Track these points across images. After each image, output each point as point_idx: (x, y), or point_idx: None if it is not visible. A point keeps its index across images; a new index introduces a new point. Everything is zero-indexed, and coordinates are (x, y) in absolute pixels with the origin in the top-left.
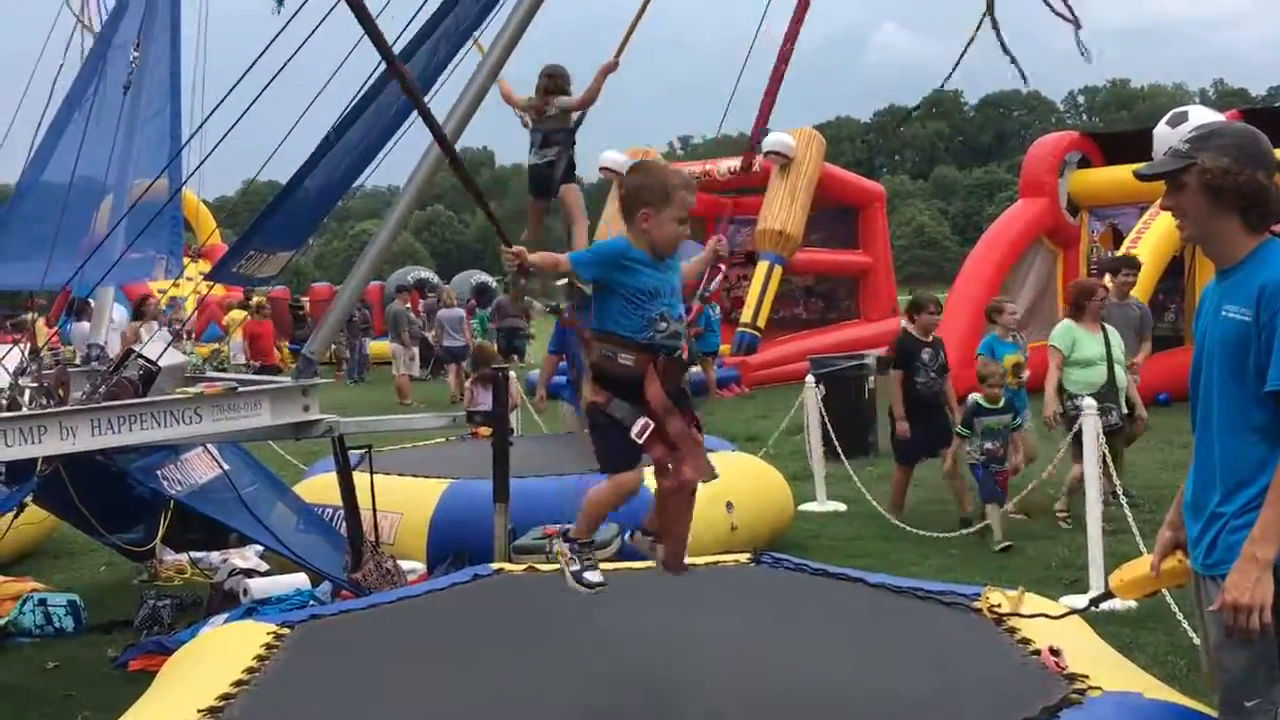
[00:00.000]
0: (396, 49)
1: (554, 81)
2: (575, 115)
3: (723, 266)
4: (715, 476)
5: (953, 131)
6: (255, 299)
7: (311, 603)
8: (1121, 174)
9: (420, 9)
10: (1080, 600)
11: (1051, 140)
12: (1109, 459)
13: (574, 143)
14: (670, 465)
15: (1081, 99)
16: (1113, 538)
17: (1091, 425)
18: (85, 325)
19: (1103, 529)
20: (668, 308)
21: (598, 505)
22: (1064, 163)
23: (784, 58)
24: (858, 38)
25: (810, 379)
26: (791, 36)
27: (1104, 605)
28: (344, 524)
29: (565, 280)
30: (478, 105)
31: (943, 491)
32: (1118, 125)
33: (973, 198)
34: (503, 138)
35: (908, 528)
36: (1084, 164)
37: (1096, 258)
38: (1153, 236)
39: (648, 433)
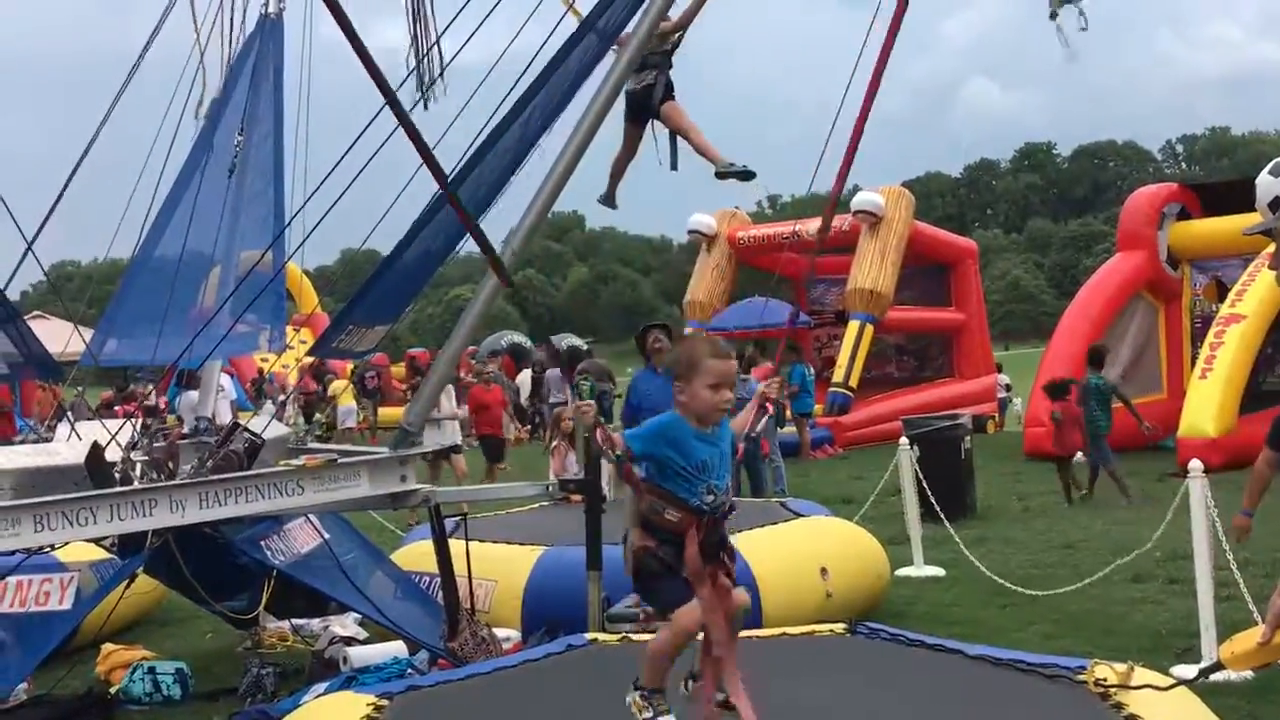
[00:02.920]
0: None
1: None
2: (673, 37)
3: (769, 408)
4: (740, 616)
5: (1046, 184)
6: (489, 367)
7: (409, 671)
8: (1223, 225)
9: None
10: (1190, 671)
11: (1149, 192)
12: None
13: (670, 65)
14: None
15: (1180, 148)
16: (1226, 604)
17: (1199, 487)
18: (193, 395)
19: (1215, 594)
20: (716, 481)
21: (660, 652)
22: (1163, 215)
23: (860, 123)
24: (946, 92)
25: (904, 440)
26: (867, 104)
27: (1216, 676)
28: (440, 591)
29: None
30: (570, 172)
31: (1047, 555)
32: (1218, 174)
33: (1068, 250)
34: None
35: (1011, 585)
36: (1183, 215)
37: (1200, 311)
38: (1259, 289)
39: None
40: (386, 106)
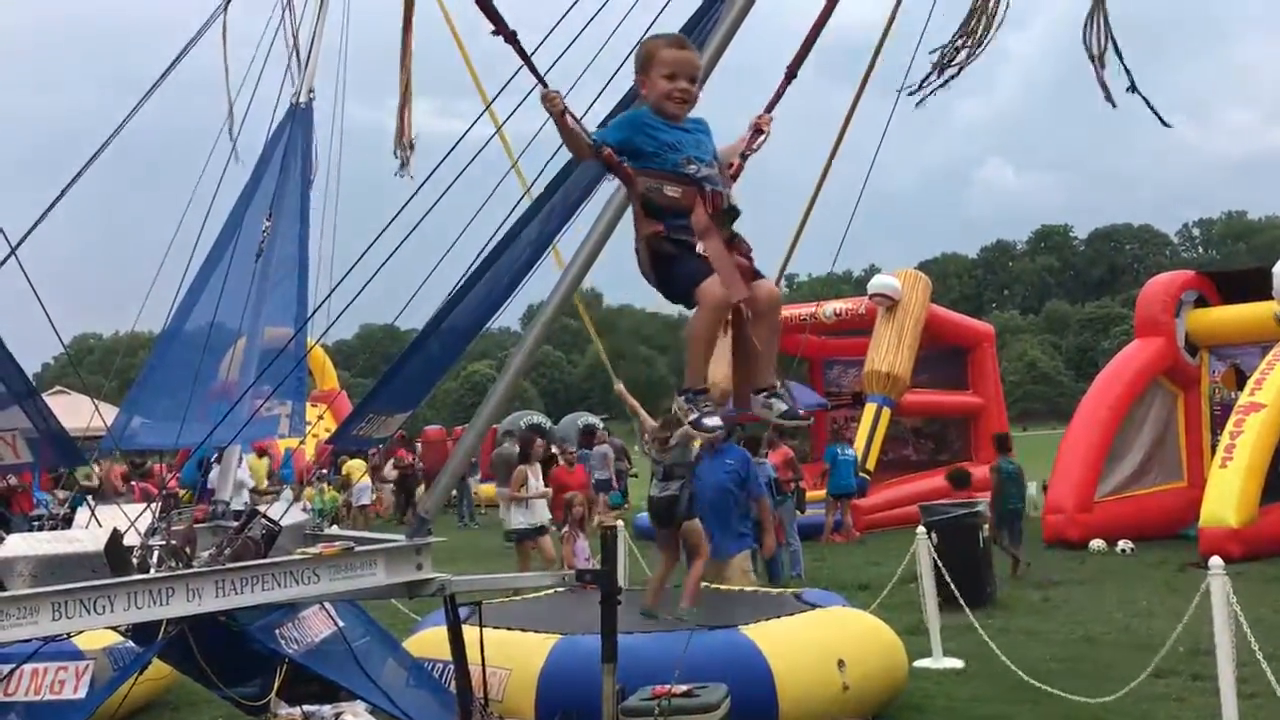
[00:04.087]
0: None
1: (677, 422)
2: (694, 449)
3: (765, 130)
4: (771, 299)
5: (1063, 265)
6: (564, 452)
7: None
8: (1240, 313)
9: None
10: None
11: (1166, 279)
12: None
13: (695, 476)
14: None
15: (1196, 231)
16: (1249, 701)
17: (1220, 585)
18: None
19: (1238, 692)
20: (694, 155)
21: (697, 339)
22: (1180, 302)
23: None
24: (962, 174)
25: (921, 529)
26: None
27: None
28: (453, 680)
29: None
30: (589, 267)
31: (1069, 649)
32: (1234, 258)
33: (1086, 332)
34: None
35: (1033, 681)
36: (1201, 302)
37: (1220, 399)
38: (1278, 377)
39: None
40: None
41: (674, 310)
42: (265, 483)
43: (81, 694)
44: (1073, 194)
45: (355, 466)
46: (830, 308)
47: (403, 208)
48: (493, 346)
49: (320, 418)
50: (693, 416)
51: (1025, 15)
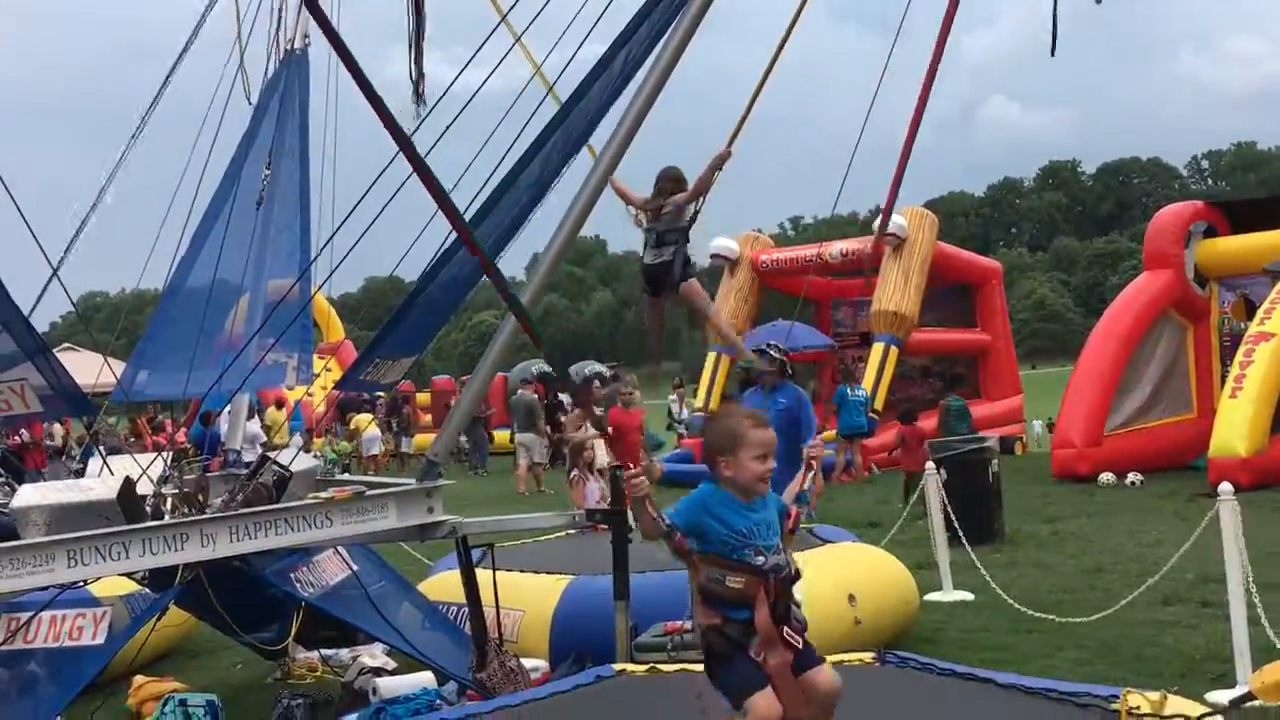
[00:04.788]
0: (509, 160)
1: (671, 184)
2: (689, 211)
3: (814, 464)
4: (831, 699)
5: (1071, 202)
6: (631, 393)
7: (438, 702)
8: (1251, 242)
9: (524, 127)
10: (1224, 698)
11: (1175, 210)
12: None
13: (688, 240)
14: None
15: (1205, 163)
16: (1259, 628)
17: (1229, 511)
18: (253, 427)
19: (1248, 618)
20: (763, 543)
21: None
22: (1189, 233)
23: (910, 138)
24: (967, 112)
25: (930, 465)
26: (917, 117)
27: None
28: (468, 622)
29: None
30: (591, 207)
31: (1077, 579)
32: (1244, 190)
33: (1095, 268)
34: (612, 227)
35: (1040, 615)
36: (1210, 233)
37: (1229, 329)
38: None
39: (762, 659)
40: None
41: None
42: (286, 434)
43: (100, 640)
44: (1080, 129)
45: (363, 419)
46: (836, 248)
47: (392, 159)
48: (497, 297)
49: (327, 368)
50: None
51: None
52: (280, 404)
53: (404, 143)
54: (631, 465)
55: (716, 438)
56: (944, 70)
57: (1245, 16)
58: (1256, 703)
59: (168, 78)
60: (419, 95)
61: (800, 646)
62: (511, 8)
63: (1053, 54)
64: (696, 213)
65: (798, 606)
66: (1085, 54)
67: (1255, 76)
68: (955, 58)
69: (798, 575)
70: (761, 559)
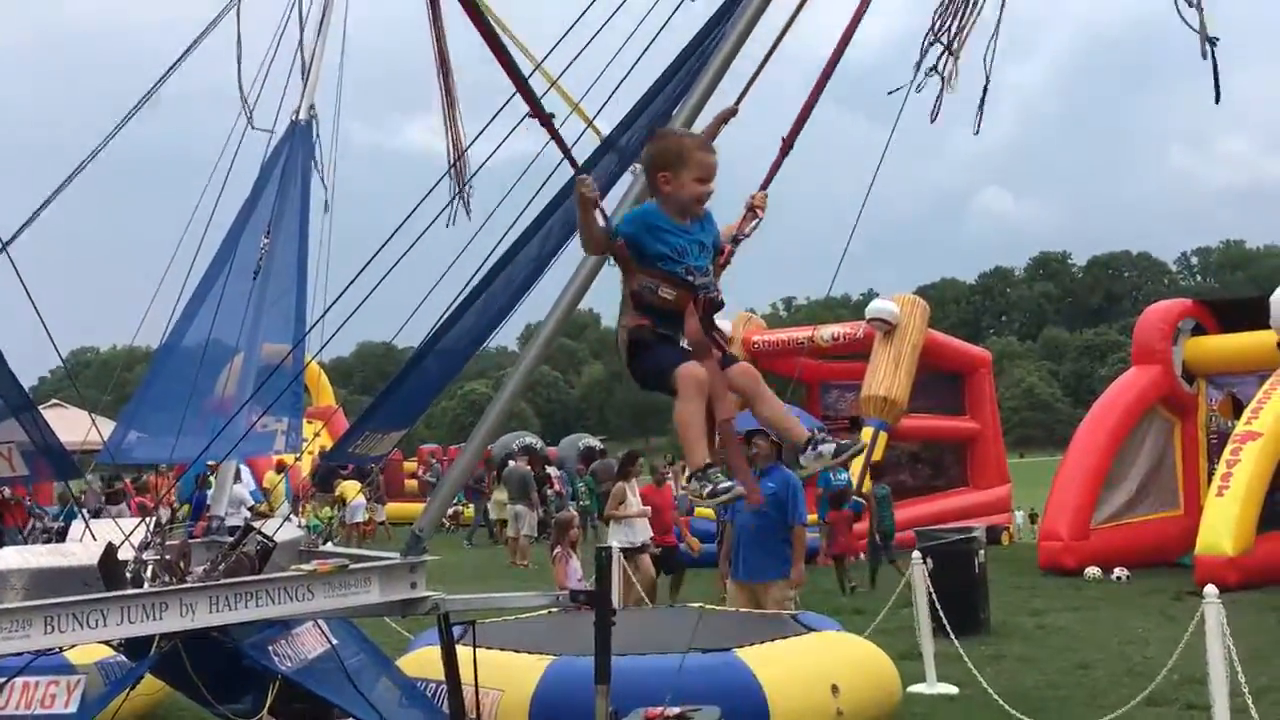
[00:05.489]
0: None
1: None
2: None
3: (759, 213)
4: (752, 380)
5: (1061, 292)
6: (666, 471)
7: None
8: (1238, 342)
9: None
10: None
11: (1163, 307)
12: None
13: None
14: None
15: (1194, 259)
16: None
17: (1215, 614)
18: (239, 490)
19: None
20: (695, 263)
21: (685, 423)
22: (1177, 330)
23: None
24: (960, 201)
25: (917, 554)
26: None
27: None
28: (446, 700)
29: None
30: (588, 285)
31: (1063, 676)
32: (1232, 287)
33: (1084, 359)
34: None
35: (1024, 713)
36: (1198, 331)
37: (1216, 427)
38: (1275, 406)
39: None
40: (422, 203)
41: None
42: (283, 499)
43: (73, 709)
44: (1071, 221)
45: (349, 486)
46: (828, 331)
47: (398, 229)
48: (489, 365)
49: (316, 434)
50: (707, 489)
51: (1025, 49)
52: (281, 468)
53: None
54: (668, 542)
55: (662, 152)
56: (938, 159)
57: (1234, 117)
58: None
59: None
60: (456, 169)
61: (722, 351)
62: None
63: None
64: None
65: (721, 335)
66: (1077, 147)
67: (1244, 176)
68: (950, 148)
69: (722, 303)
70: (692, 278)
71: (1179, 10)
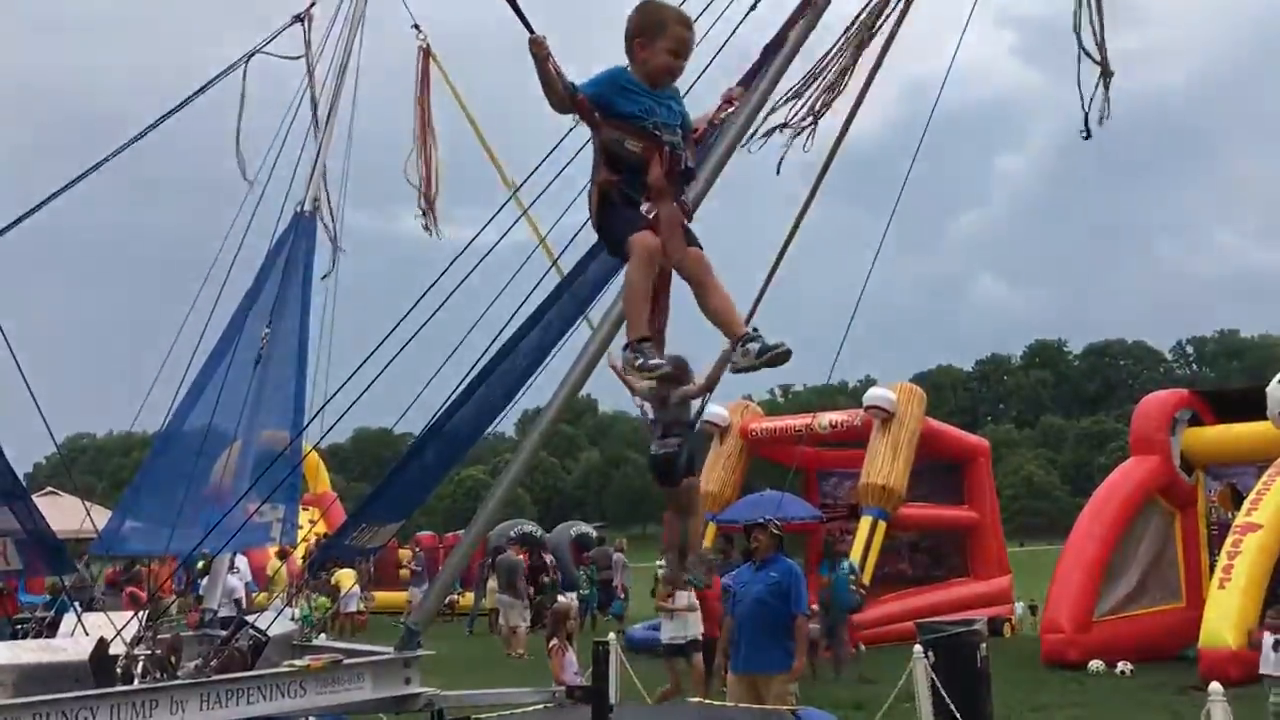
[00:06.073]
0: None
1: (677, 372)
2: (695, 405)
3: (734, 101)
4: (698, 260)
5: (1058, 380)
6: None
7: None
8: (1236, 432)
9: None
10: None
11: (1160, 398)
12: None
13: (694, 431)
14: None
15: (1190, 349)
16: None
17: (1220, 712)
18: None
19: None
20: (663, 120)
21: (632, 292)
22: (1175, 420)
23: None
24: (955, 288)
25: (918, 648)
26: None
27: None
28: None
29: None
30: (586, 377)
31: None
32: (1227, 376)
33: (1082, 447)
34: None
35: None
36: (1195, 421)
37: (1216, 518)
38: (1275, 497)
39: (652, 214)
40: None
41: None
42: (285, 584)
43: None
44: (1067, 309)
45: (345, 575)
46: (826, 419)
47: (399, 323)
48: (486, 452)
49: (313, 522)
50: (639, 361)
51: (1018, 138)
52: (284, 555)
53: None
54: (714, 634)
55: (642, 19)
56: (933, 246)
57: (1228, 209)
58: None
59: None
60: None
61: (686, 220)
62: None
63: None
64: (703, 408)
65: (687, 202)
66: (1071, 237)
67: (1237, 266)
68: (945, 235)
69: (692, 171)
70: (659, 132)
71: (1079, 37)
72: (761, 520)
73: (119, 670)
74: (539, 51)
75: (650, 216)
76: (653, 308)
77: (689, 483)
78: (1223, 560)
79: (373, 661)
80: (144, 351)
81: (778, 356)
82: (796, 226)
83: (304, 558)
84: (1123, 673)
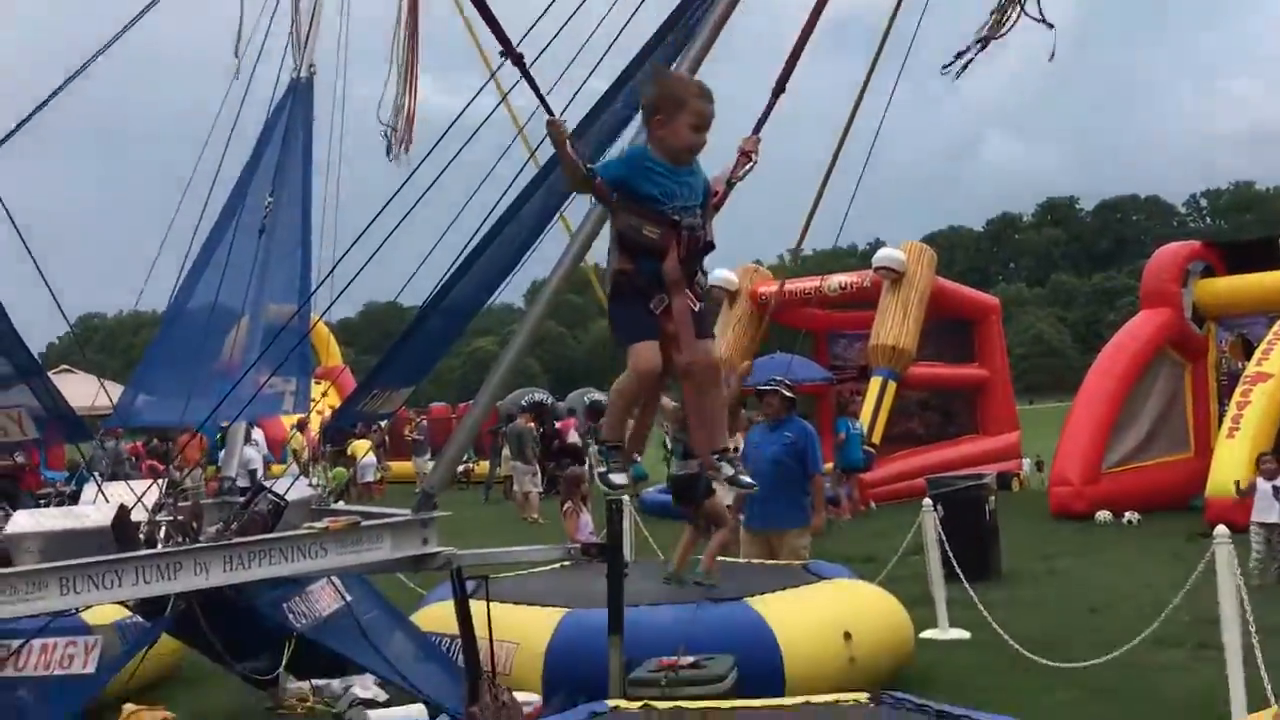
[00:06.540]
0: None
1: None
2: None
3: (753, 157)
4: (708, 364)
5: (1069, 238)
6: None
7: None
8: (1248, 283)
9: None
10: None
11: (1173, 250)
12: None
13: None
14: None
15: (1204, 202)
16: (1256, 671)
17: (1225, 554)
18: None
19: (1245, 660)
20: (684, 205)
21: (620, 394)
22: (1187, 272)
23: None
24: (966, 148)
25: (928, 501)
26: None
27: None
28: (460, 654)
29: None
30: (592, 240)
31: (1074, 619)
32: (1242, 229)
33: (1093, 304)
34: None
35: (1037, 655)
36: (1208, 273)
37: (1227, 369)
38: None
39: (662, 307)
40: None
41: None
42: (305, 455)
43: (91, 668)
44: (1079, 166)
45: (360, 444)
46: (835, 281)
47: (404, 184)
48: (495, 323)
49: (324, 394)
50: (601, 469)
51: None
52: (302, 427)
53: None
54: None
55: (660, 95)
56: (944, 105)
57: (1243, 58)
58: None
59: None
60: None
61: (696, 310)
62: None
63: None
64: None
65: (704, 276)
66: (1084, 91)
67: (1253, 118)
68: (955, 94)
69: (711, 245)
70: (678, 217)
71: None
72: (773, 382)
73: (141, 537)
74: (557, 135)
75: (658, 312)
76: (643, 409)
77: (712, 503)
78: (1231, 410)
79: (391, 523)
80: (151, 230)
81: (743, 488)
82: (856, 108)
83: (319, 430)
84: (1129, 522)
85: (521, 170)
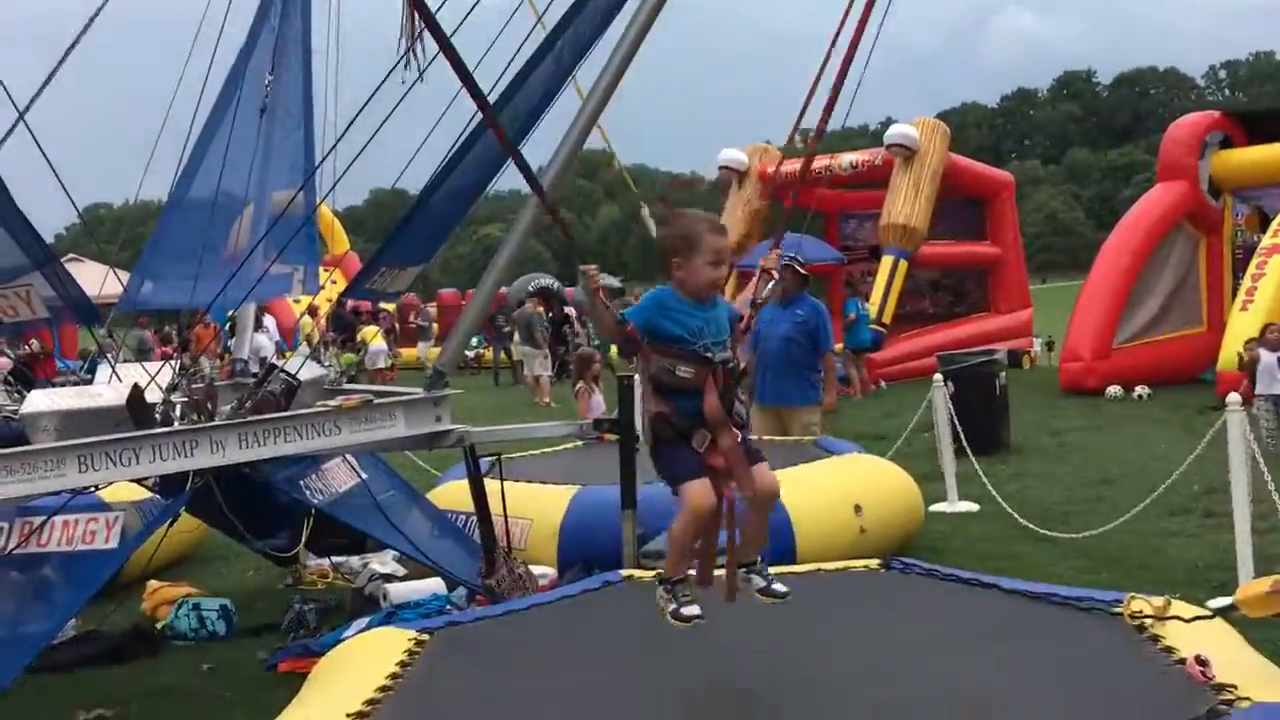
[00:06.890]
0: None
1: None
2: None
3: (774, 274)
4: (770, 492)
5: (1085, 113)
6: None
7: (448, 608)
8: (1267, 154)
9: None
10: (1214, 604)
11: (1191, 120)
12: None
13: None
14: (729, 480)
15: (1223, 74)
16: (1265, 536)
17: (1237, 421)
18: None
19: (1253, 527)
20: (712, 341)
21: (679, 536)
22: (1205, 144)
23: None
24: (979, 21)
25: (938, 376)
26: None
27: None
28: (476, 530)
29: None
30: (598, 114)
31: (1083, 490)
32: (1262, 100)
33: (1108, 181)
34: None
35: (1045, 525)
36: (1226, 144)
37: (1242, 242)
38: None
39: (706, 443)
40: (417, 41)
41: (687, 168)
42: (316, 337)
43: (113, 544)
44: (1095, 39)
45: (370, 331)
46: (846, 159)
47: (401, 57)
48: (504, 209)
49: (332, 280)
50: (671, 606)
51: None
52: (313, 312)
53: (430, 21)
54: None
55: (674, 238)
56: None
57: None
58: (1240, 614)
59: None
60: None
61: (741, 437)
62: None
63: None
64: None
65: (743, 403)
66: None
67: None
68: None
69: (745, 371)
70: (710, 353)
71: None
72: (786, 259)
73: (156, 417)
74: (590, 284)
75: (702, 449)
76: (704, 540)
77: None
78: (1246, 283)
79: (404, 400)
80: (153, 117)
81: (771, 596)
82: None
83: (328, 317)
84: (1140, 396)
85: (527, 37)
